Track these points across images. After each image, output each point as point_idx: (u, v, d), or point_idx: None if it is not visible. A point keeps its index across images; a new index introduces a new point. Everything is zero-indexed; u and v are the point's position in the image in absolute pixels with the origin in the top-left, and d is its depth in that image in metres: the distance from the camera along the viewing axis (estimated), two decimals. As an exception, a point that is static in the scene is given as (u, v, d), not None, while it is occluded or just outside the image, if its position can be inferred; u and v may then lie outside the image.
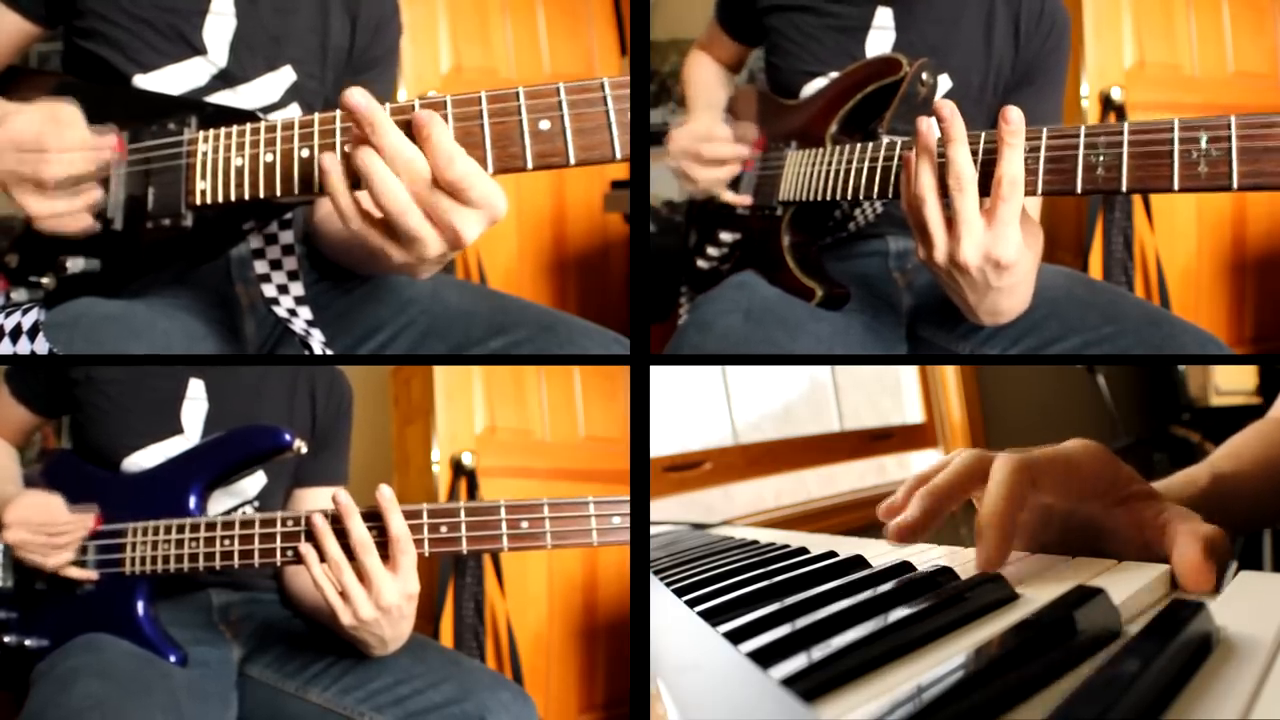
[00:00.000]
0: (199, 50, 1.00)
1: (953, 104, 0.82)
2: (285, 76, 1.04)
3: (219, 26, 1.01)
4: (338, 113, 0.79)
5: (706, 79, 1.36)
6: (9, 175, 0.85)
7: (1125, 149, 0.75)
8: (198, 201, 0.87)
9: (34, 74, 1.01)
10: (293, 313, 0.96)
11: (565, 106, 0.74)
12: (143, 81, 0.99)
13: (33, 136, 0.84)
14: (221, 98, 1.01)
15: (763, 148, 1.16)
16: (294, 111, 1.05)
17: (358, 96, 0.72)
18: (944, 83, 1.10)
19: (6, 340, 0.89)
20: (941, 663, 0.39)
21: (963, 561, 0.59)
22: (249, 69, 1.02)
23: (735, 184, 1.18)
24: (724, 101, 1.29)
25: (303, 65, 1.04)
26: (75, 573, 1.00)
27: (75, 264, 0.91)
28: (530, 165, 0.75)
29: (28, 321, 0.89)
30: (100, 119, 0.91)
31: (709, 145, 1.14)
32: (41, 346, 0.87)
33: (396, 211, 0.72)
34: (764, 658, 0.42)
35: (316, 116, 0.80)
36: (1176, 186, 0.73)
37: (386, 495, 0.89)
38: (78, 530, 0.99)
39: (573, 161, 0.75)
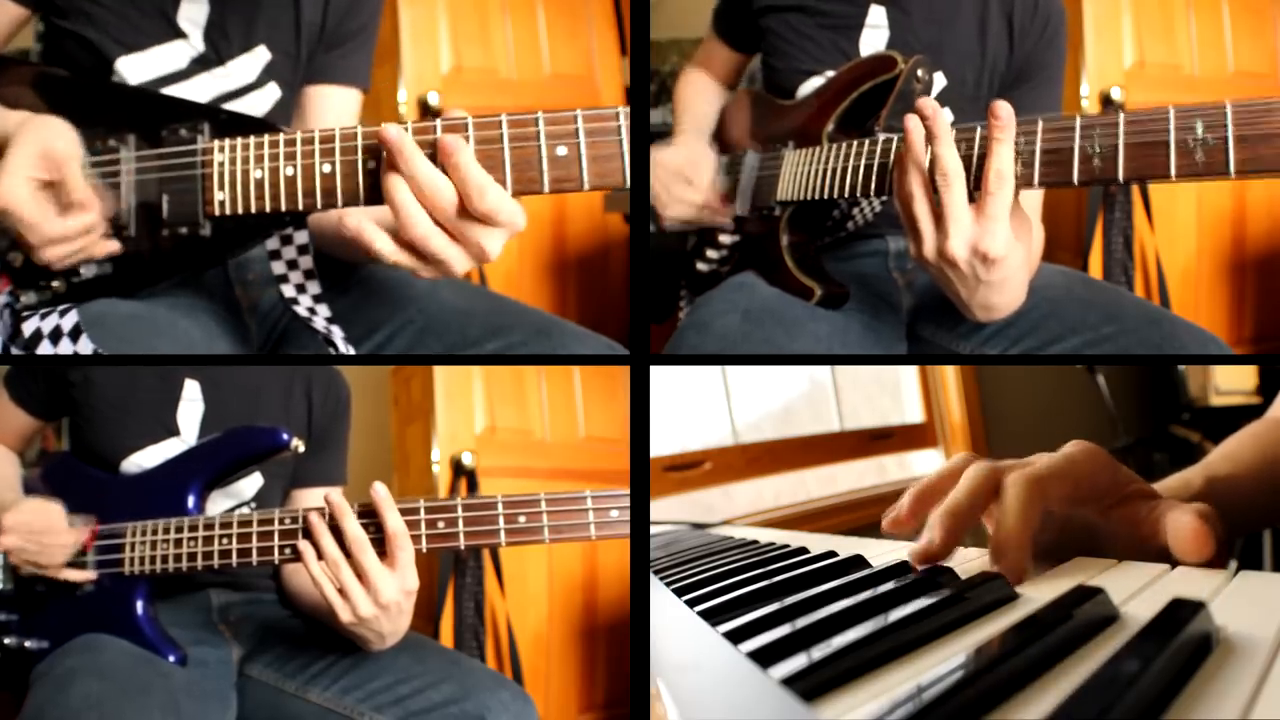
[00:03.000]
0: (180, 33, 1.01)
1: (935, 102, 0.83)
2: (260, 57, 1.04)
3: (193, 12, 1.01)
4: (358, 128, 0.81)
5: (695, 97, 1.34)
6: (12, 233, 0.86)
7: (1121, 138, 0.75)
8: (216, 212, 0.87)
9: (32, 68, 1.01)
10: (312, 311, 0.96)
11: (582, 134, 0.77)
12: (127, 63, 0.99)
13: (29, 212, 0.83)
14: (202, 81, 1.02)
15: (724, 208, 1.18)
16: (272, 91, 1.05)
17: (392, 132, 0.76)
18: (939, 81, 1.10)
19: (46, 342, 0.89)
20: (941, 663, 0.39)
21: (963, 561, 0.59)
22: (223, 52, 1.02)
23: (732, 187, 1.18)
24: (712, 122, 1.29)
25: (276, 44, 1.05)
26: (73, 575, 1.00)
27: (87, 269, 0.91)
28: (547, 189, 0.78)
29: (67, 323, 0.89)
30: (108, 122, 0.91)
31: (686, 186, 1.17)
32: (85, 347, 0.88)
33: (420, 238, 0.76)
34: (764, 657, 0.42)
35: (337, 130, 0.82)
36: (1174, 174, 0.73)
37: (381, 493, 0.90)
38: (74, 542, 0.99)
39: (586, 187, 0.78)
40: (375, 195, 0.80)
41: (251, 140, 0.85)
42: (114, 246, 0.89)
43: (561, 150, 0.77)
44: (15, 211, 0.83)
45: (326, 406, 1.17)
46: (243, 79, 1.03)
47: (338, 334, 0.95)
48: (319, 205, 0.83)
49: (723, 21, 1.32)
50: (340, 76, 1.11)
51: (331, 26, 1.08)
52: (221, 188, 0.86)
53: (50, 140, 0.85)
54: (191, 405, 1.10)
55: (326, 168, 0.82)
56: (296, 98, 1.09)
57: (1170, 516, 0.53)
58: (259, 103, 1.04)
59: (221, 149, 0.87)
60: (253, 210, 0.85)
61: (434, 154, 0.76)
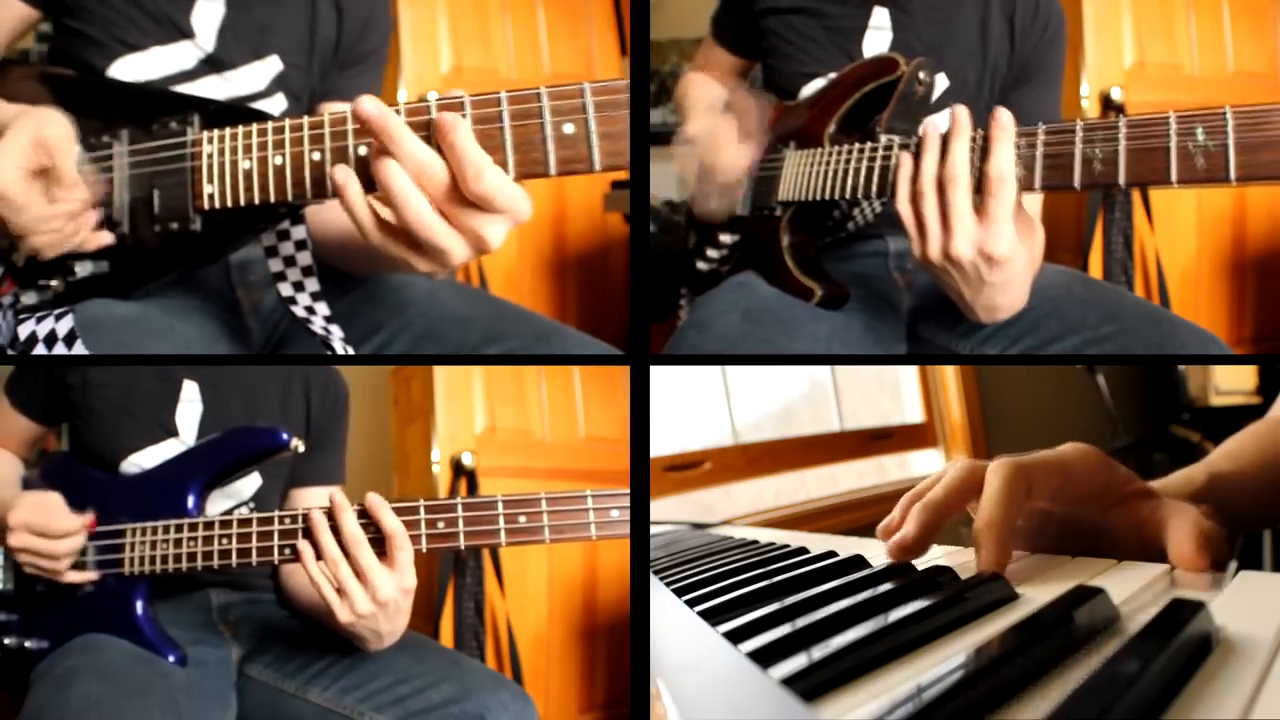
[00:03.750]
0: (187, 34, 1.00)
1: (966, 109, 0.83)
2: (271, 66, 1.04)
3: (208, 12, 1.01)
4: (349, 113, 0.75)
5: (702, 90, 1.33)
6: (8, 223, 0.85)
7: (1122, 143, 0.75)
8: (205, 205, 0.85)
9: (30, 68, 1.01)
10: (310, 310, 0.95)
11: (590, 109, 0.70)
12: (130, 62, 0.99)
13: (16, 194, 0.82)
14: (209, 83, 1.01)
15: (779, 114, 1.14)
16: (280, 101, 1.05)
17: (369, 105, 0.69)
18: (940, 82, 1.10)
19: (41, 347, 0.88)
20: (941, 663, 0.39)
21: (962, 561, 0.58)
22: (236, 56, 1.02)
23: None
24: (722, 102, 1.28)
25: (289, 56, 1.05)
26: (76, 576, 1.00)
27: (84, 268, 0.90)
28: (553, 171, 0.71)
29: (62, 328, 0.88)
30: (97, 115, 0.90)
31: (725, 146, 1.12)
32: (79, 352, 0.87)
33: (419, 223, 0.70)
34: (764, 657, 0.42)
35: (326, 117, 0.78)
36: (1174, 180, 0.72)
37: (374, 500, 0.90)
38: (77, 532, 0.99)
39: (598, 168, 0.71)
40: (368, 182, 0.74)
41: (240, 130, 0.82)
42: (107, 238, 0.88)
43: (568, 128, 0.70)
44: (4, 198, 0.82)
45: (325, 406, 1.17)
46: (251, 86, 1.03)
47: (336, 335, 0.94)
48: (309, 195, 0.79)
49: (722, 26, 1.32)
50: (353, 95, 1.09)
51: (346, 45, 1.08)
52: (210, 181, 0.84)
53: (43, 128, 0.84)
54: (190, 406, 1.10)
55: (316, 155, 0.77)
56: (309, 114, 1.09)
57: (1172, 525, 0.53)
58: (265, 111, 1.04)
59: (210, 140, 0.84)
60: (242, 203, 0.82)
61: (428, 135, 0.70)
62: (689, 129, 1.17)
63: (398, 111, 0.71)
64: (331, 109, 0.80)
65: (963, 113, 0.82)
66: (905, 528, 0.59)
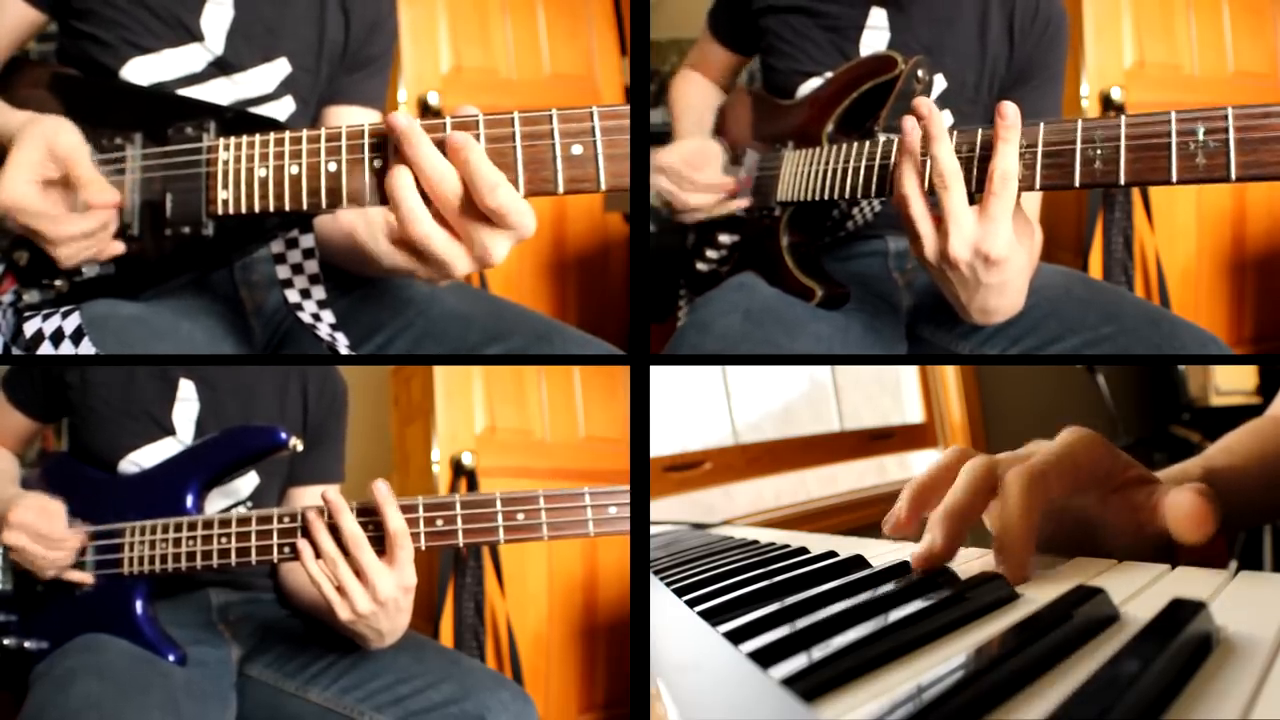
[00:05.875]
0: (196, 37, 1.00)
1: (930, 101, 0.82)
2: (280, 68, 1.04)
3: (217, 15, 1.01)
4: (365, 126, 0.78)
5: (694, 98, 1.34)
6: (23, 233, 0.86)
7: (1122, 142, 0.74)
8: (219, 211, 0.85)
9: (43, 70, 1.01)
10: (316, 317, 0.95)
11: (598, 132, 0.74)
12: (140, 64, 0.99)
13: (32, 204, 0.83)
14: (218, 85, 1.01)
15: (749, 186, 1.16)
16: (288, 103, 1.05)
17: (401, 118, 0.73)
18: (939, 82, 1.10)
19: (47, 344, 0.88)
20: (942, 663, 0.39)
21: (963, 561, 0.58)
22: (245, 59, 1.02)
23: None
24: (711, 123, 1.28)
25: (297, 58, 1.05)
26: (75, 576, 1.00)
27: (90, 269, 0.91)
28: (561, 190, 0.75)
29: (69, 325, 0.88)
30: (115, 121, 0.90)
31: (700, 173, 1.15)
32: (86, 349, 0.87)
33: (421, 236, 0.74)
34: (764, 658, 0.42)
35: (344, 128, 0.79)
36: (1175, 179, 0.72)
37: (383, 491, 0.89)
38: (70, 547, 0.99)
39: (603, 187, 0.75)
40: (382, 195, 0.77)
41: (256, 138, 0.84)
42: (120, 248, 0.89)
43: (576, 149, 0.74)
44: (23, 210, 0.83)
45: (322, 403, 1.17)
46: (260, 89, 1.03)
47: (342, 342, 0.95)
48: (324, 205, 0.81)
49: (719, 22, 1.32)
50: (359, 98, 1.12)
51: (353, 49, 1.09)
52: (225, 187, 0.85)
53: (55, 138, 0.84)
54: (186, 405, 1.10)
55: (332, 166, 0.79)
56: (316, 117, 1.10)
57: (1168, 497, 0.53)
58: (273, 114, 1.04)
59: (226, 147, 0.85)
60: (256, 210, 0.84)
61: (443, 151, 0.73)
62: (662, 157, 1.17)
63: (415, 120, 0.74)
64: (346, 120, 0.81)
65: (932, 111, 0.81)
66: (932, 537, 0.57)
